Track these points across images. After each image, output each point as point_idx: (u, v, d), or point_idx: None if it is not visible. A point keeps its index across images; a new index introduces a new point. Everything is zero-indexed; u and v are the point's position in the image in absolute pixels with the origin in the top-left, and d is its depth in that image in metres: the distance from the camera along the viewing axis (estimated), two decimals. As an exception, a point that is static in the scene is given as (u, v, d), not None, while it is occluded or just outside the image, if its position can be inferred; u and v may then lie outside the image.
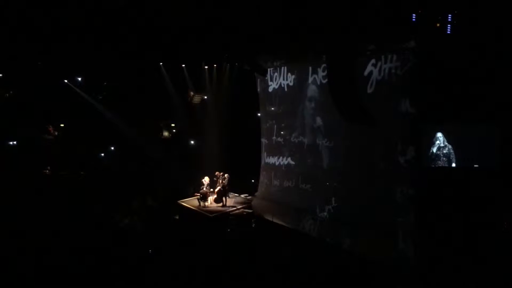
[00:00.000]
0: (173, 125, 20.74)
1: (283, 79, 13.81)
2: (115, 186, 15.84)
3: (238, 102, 17.32)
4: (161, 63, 17.70)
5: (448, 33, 9.15)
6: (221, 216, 14.23)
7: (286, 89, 13.73)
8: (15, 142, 17.11)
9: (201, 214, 14.41)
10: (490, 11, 8.76)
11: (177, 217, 14.69)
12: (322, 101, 12.19)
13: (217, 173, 15.52)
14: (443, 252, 9.06)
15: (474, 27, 9.02)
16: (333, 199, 11.85)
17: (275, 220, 13.61)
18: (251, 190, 16.29)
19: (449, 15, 9.11)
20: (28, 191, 14.59)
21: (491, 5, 8.74)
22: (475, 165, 9.40)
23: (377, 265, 9.70)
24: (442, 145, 9.39)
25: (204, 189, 15.19)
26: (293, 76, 13.34)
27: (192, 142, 19.30)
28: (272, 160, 14.76)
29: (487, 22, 8.81)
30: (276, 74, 14.16)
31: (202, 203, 15.08)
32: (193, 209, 14.95)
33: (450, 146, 9.36)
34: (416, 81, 9.30)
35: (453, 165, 9.34)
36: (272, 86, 14.41)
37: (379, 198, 10.34)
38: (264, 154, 15.38)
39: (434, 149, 9.43)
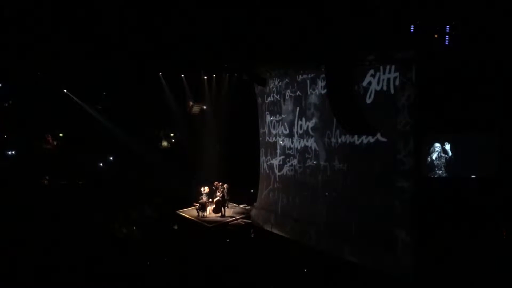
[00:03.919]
0: (172, 134, 20.79)
1: (283, 89, 13.85)
2: (114, 195, 15.79)
3: (237, 112, 17.36)
4: (160, 73, 17.77)
5: (446, 44, 9.21)
6: (220, 226, 14.18)
7: (285, 99, 13.77)
8: (14, 152, 17.11)
9: (200, 224, 14.36)
10: (488, 22, 8.83)
11: (175, 227, 14.63)
12: (322, 111, 12.23)
13: (216, 183, 15.50)
14: (442, 261, 9.02)
15: (473, 38, 9.08)
16: (332, 209, 11.81)
17: (274, 231, 13.56)
18: (250, 200, 16.25)
19: (447, 26, 9.17)
20: (26, 200, 14.54)
21: (489, 16, 8.80)
22: (472, 176, 9.41)
23: (377, 275, 9.65)
24: (438, 155, 9.40)
25: (203, 199, 15.15)
26: (293, 87, 13.38)
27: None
28: (271, 170, 14.74)
29: (486, 32, 8.87)
30: (275, 84, 14.20)
31: (201, 213, 15.04)
32: (192, 219, 14.90)
33: (446, 156, 9.37)
34: (414, 91, 9.33)
35: (450, 174, 9.36)
36: (272, 96, 14.44)
37: (378, 208, 10.31)
38: (263, 164, 15.37)
39: (431, 159, 9.44)
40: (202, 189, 15.27)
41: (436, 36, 9.29)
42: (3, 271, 9.82)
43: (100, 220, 14.04)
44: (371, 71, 10.41)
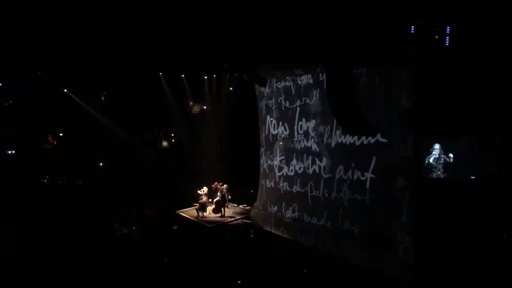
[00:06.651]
0: (172, 135, 20.79)
1: (283, 90, 13.83)
2: (113, 195, 15.78)
3: (237, 112, 17.36)
4: (160, 73, 17.76)
5: (447, 45, 9.22)
6: (220, 227, 14.18)
7: (285, 100, 13.75)
8: (13, 151, 17.10)
9: (200, 225, 14.36)
10: (488, 23, 8.83)
11: (175, 227, 14.63)
12: (322, 111, 12.23)
13: (215, 183, 15.50)
14: (442, 262, 9.03)
15: (472, 39, 9.08)
16: (332, 210, 11.81)
17: (274, 231, 13.56)
18: (250, 200, 16.24)
19: (448, 27, 9.17)
20: (26, 200, 14.52)
21: (489, 17, 8.80)
22: (472, 177, 9.42)
23: (377, 276, 9.65)
24: (437, 156, 9.41)
25: (203, 199, 15.15)
26: (293, 87, 13.37)
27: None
28: (271, 170, 14.74)
29: (485, 33, 8.88)
30: (276, 84, 14.17)
31: (200, 214, 15.06)
32: (192, 219, 14.90)
33: (445, 157, 9.38)
34: (414, 92, 9.34)
35: (450, 175, 9.36)
36: (272, 96, 14.42)
37: (378, 209, 10.32)
38: (263, 164, 15.36)
39: (431, 160, 9.45)
40: (202, 189, 15.27)
41: (436, 37, 9.30)
42: (1, 271, 9.82)
43: (100, 219, 14.05)
44: (371, 72, 10.40)
